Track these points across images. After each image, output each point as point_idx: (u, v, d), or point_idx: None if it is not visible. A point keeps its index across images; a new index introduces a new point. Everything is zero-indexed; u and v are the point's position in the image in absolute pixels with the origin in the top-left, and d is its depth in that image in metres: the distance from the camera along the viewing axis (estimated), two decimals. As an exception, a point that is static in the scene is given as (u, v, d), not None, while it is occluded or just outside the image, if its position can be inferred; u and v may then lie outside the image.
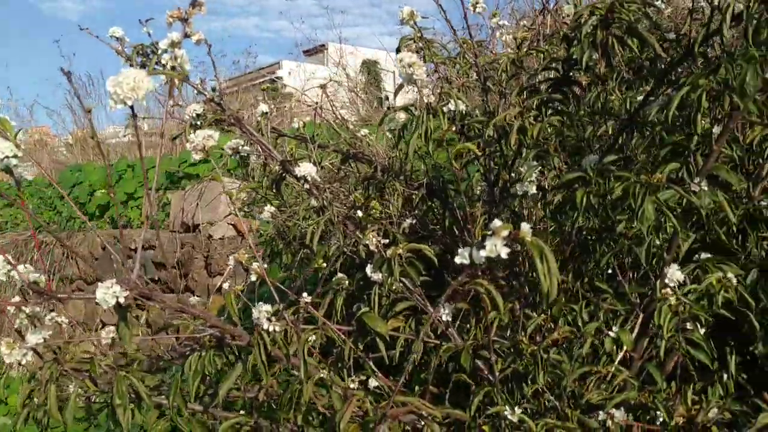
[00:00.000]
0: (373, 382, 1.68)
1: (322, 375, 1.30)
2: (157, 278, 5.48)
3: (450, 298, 1.36)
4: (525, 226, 0.85)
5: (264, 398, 1.55)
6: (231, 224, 4.99)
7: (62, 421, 1.25)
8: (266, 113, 1.98)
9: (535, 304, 2.11)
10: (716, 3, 1.47)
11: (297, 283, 3.52)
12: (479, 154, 1.68)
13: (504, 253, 0.85)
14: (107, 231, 6.34)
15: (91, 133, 1.46)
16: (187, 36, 1.22)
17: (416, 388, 2.06)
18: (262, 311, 1.30)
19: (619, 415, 1.17)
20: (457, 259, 0.89)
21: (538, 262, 0.82)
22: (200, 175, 5.63)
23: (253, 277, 1.43)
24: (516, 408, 1.32)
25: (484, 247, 0.85)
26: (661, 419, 1.26)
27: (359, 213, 1.77)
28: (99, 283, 1.04)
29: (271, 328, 1.21)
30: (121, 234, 1.46)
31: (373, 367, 1.64)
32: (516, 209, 2.06)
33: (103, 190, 6.44)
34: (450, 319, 1.41)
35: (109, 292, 1.03)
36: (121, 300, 1.03)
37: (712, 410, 1.10)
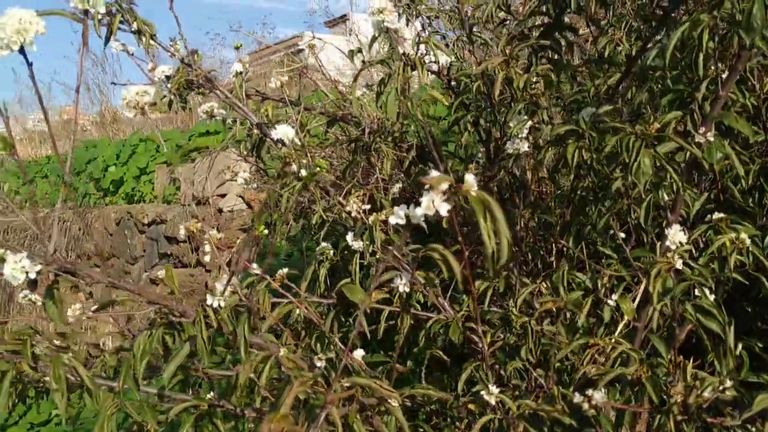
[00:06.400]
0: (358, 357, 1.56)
1: (281, 353, 1.18)
2: (169, 252, 5.42)
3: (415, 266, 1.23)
4: (469, 178, 0.72)
5: (244, 381, 1.44)
6: (239, 196, 4.89)
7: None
8: (240, 73, 1.85)
9: (536, 272, 1.98)
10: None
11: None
12: (445, 102, 1.53)
13: (444, 210, 0.72)
14: (121, 206, 6.29)
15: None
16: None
17: (408, 364, 1.95)
18: (219, 286, 1.18)
19: (599, 397, 1.04)
20: (392, 220, 0.76)
21: (481, 220, 0.69)
22: (209, 147, 5.53)
23: (207, 248, 1.31)
24: (492, 386, 1.19)
25: (419, 204, 0.72)
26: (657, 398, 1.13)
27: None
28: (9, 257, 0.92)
29: (215, 304, 1.09)
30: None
31: (338, 341, 1.52)
32: (511, 170, 1.92)
33: (115, 166, 6.38)
34: (407, 290, 1.28)
35: (17, 267, 0.92)
36: (32, 275, 0.92)
37: (706, 390, 0.96)
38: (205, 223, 5.10)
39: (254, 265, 1.29)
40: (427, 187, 0.72)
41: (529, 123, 1.56)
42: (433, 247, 0.87)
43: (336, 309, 1.67)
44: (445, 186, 0.71)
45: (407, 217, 0.74)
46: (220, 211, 5.06)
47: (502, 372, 1.56)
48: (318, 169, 1.32)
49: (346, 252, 1.85)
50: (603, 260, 1.74)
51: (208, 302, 1.08)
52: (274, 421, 0.76)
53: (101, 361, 1.67)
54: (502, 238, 0.69)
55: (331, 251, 1.82)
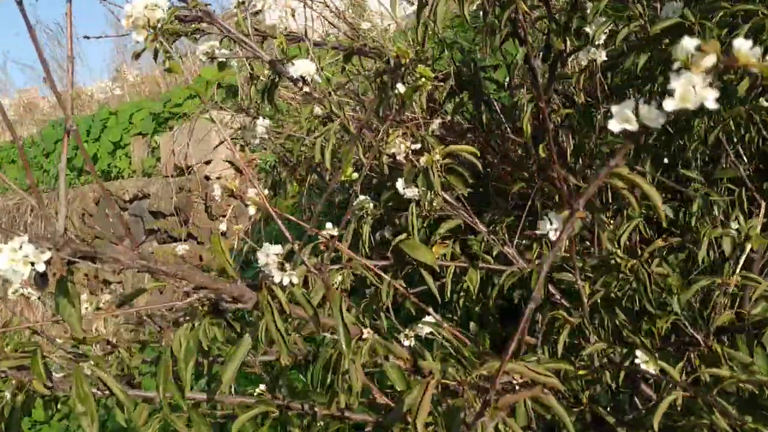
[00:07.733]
0: (425, 330, 1.30)
1: (364, 336, 0.92)
2: (156, 228, 5.10)
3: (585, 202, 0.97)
4: (741, 42, 0.44)
5: (288, 362, 1.18)
6: (226, 161, 4.56)
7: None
8: (243, 2, 1.54)
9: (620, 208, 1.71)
10: None
11: (307, 216, 3.13)
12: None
13: (712, 99, 0.45)
14: (99, 184, 5.94)
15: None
16: None
17: (472, 325, 1.70)
18: (270, 255, 0.89)
19: None
20: (612, 126, 0.48)
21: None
22: (188, 114, 5.18)
23: (252, 210, 1.03)
24: (639, 352, 0.94)
25: (671, 95, 0.45)
26: None
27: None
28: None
29: (285, 281, 0.81)
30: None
31: (431, 311, 1.26)
32: (571, 93, 1.64)
33: (86, 143, 5.99)
34: (558, 227, 0.95)
35: (17, 257, 0.63)
36: (40, 267, 0.64)
37: None
38: (191, 193, 4.78)
39: (329, 225, 1.02)
40: (677, 66, 0.44)
41: (610, 25, 1.28)
42: (618, 173, 0.60)
43: (393, 269, 1.41)
44: (712, 60, 0.43)
45: (638, 118, 0.46)
46: (207, 178, 4.74)
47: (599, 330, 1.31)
48: (423, 79, 1.04)
49: (389, 204, 1.58)
50: (689, 185, 1.49)
51: (276, 279, 0.81)
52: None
53: (115, 359, 1.40)
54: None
55: (371, 204, 1.54)
